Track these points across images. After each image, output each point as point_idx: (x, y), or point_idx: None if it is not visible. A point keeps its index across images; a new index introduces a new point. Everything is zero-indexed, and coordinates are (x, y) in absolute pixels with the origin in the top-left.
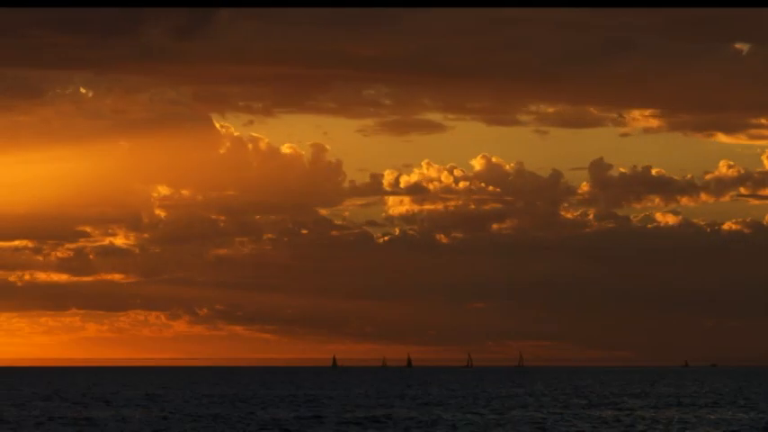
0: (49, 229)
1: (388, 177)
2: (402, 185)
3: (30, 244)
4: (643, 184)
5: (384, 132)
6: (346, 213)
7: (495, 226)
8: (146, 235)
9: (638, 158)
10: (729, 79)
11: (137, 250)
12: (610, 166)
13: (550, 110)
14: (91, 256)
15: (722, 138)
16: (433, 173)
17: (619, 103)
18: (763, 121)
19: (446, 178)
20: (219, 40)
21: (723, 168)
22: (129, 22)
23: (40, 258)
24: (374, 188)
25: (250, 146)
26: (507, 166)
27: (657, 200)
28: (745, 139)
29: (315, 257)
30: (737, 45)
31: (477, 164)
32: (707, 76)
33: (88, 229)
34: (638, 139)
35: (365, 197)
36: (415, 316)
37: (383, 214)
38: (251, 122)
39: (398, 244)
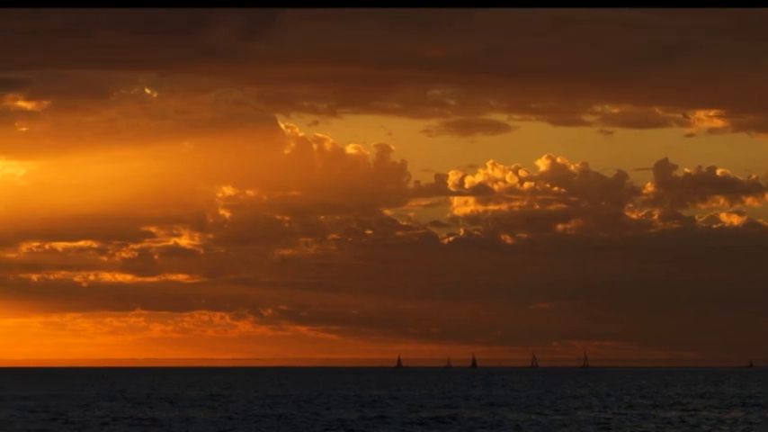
0: (113, 230)
1: (452, 178)
2: (467, 186)
3: (94, 244)
4: (708, 184)
5: (449, 133)
6: (411, 214)
7: (559, 226)
8: (210, 235)
9: (703, 159)
10: None
11: (201, 251)
12: (675, 167)
13: (615, 110)
14: (155, 257)
15: None
16: (497, 173)
17: (684, 104)
18: None
19: (511, 179)
20: (285, 40)
21: None
22: (194, 23)
23: (105, 259)
24: (439, 188)
25: (315, 146)
26: (572, 167)
27: (722, 200)
28: None
29: (379, 258)
30: None
31: (542, 164)
32: None
33: (153, 229)
34: (702, 139)
35: (430, 197)
36: (480, 316)
37: (448, 215)
38: (316, 123)
39: (463, 244)
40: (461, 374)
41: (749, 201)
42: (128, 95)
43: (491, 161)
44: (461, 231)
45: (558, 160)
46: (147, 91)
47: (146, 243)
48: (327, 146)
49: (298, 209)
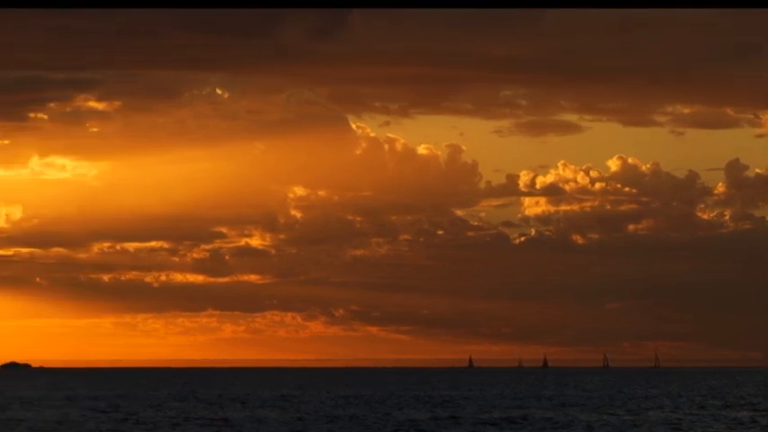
0: (185, 230)
1: (524, 178)
2: (538, 186)
3: (166, 245)
4: None
5: (520, 133)
6: (482, 214)
7: (630, 227)
8: (282, 236)
9: None
10: None
11: (273, 251)
12: (746, 167)
13: (686, 110)
14: (227, 257)
15: None
16: (569, 174)
17: (755, 104)
18: None
19: (582, 179)
20: (356, 40)
21: None
22: (265, 23)
23: (177, 259)
24: (510, 189)
25: (386, 146)
26: (643, 167)
27: None
28: None
29: (451, 258)
30: None
31: (614, 164)
32: None
33: (224, 229)
34: None
35: (501, 198)
36: (551, 317)
37: (519, 215)
38: (387, 123)
39: (534, 245)
40: (533, 375)
41: None
42: (199, 96)
43: (562, 161)
44: (533, 232)
45: (630, 161)
46: (219, 91)
47: (217, 243)
48: (399, 146)
49: (369, 209)
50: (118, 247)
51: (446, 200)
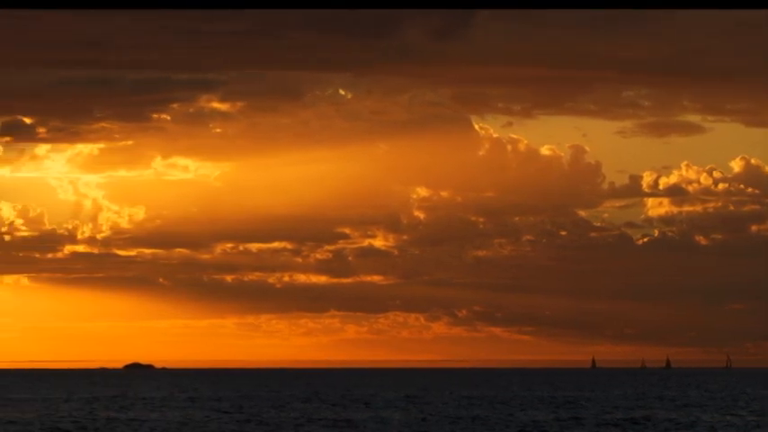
0: (308, 231)
1: (647, 179)
2: (661, 187)
3: (289, 245)
4: None
5: (643, 134)
6: (605, 215)
7: (754, 227)
8: (405, 236)
9: None
10: None
11: (396, 252)
12: None
13: None
14: (350, 258)
15: None
16: (692, 174)
17: None
18: None
19: (705, 180)
20: (478, 41)
21: None
22: (388, 24)
23: (300, 260)
24: (633, 190)
25: (509, 147)
26: (767, 168)
27: None
28: None
29: (573, 259)
30: None
31: (737, 165)
32: None
33: (347, 230)
34: None
35: (624, 199)
36: (674, 317)
37: (642, 216)
38: (510, 124)
39: (658, 245)
40: (656, 375)
41: None
42: (322, 97)
43: (685, 162)
44: (656, 233)
45: (753, 161)
46: (342, 92)
47: (340, 244)
48: (522, 147)
49: (492, 210)
50: (241, 247)
51: (569, 201)
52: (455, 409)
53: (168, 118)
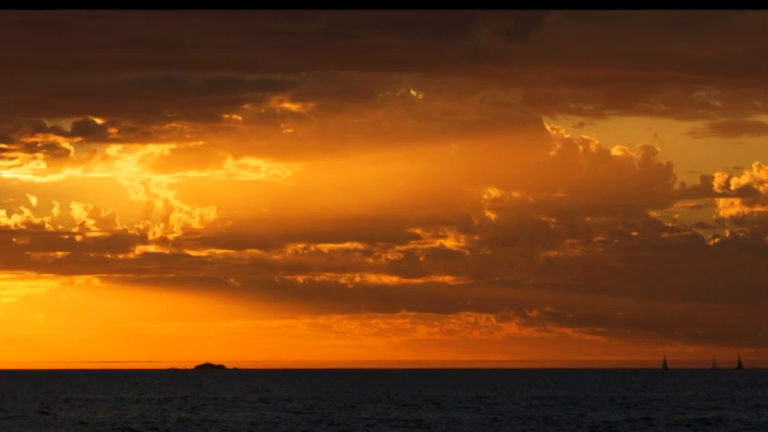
0: (379, 231)
1: (718, 179)
2: (732, 187)
3: (360, 246)
4: None
5: (714, 134)
6: (676, 215)
7: None
8: (476, 237)
9: None
10: None
11: (467, 252)
12: None
13: None
14: (421, 258)
15: None
16: (763, 175)
17: None
18: None
19: None
20: (549, 41)
21: None
22: (459, 24)
23: (371, 260)
24: (704, 190)
25: (581, 148)
26: None
27: None
28: None
29: (645, 259)
30: None
31: None
32: None
33: (418, 230)
34: None
35: (695, 199)
36: (746, 318)
37: (713, 216)
38: (581, 124)
39: (729, 246)
40: (727, 376)
41: None
42: (393, 97)
43: (756, 163)
44: (727, 233)
45: None
46: (413, 93)
47: (411, 245)
48: (593, 147)
49: (563, 210)
50: (312, 248)
51: (640, 201)
52: (526, 409)
53: (239, 118)
